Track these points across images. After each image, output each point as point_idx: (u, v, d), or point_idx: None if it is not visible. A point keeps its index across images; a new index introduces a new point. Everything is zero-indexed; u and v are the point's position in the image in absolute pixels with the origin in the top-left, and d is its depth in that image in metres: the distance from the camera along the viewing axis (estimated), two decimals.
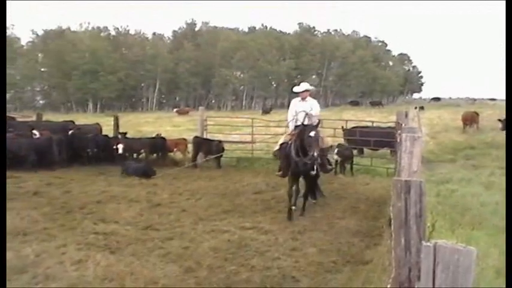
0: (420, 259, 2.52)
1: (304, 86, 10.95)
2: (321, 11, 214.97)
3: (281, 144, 10.53)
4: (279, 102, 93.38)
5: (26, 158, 15.26)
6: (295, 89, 11.11)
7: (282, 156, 10.39)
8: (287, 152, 10.01)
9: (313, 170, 9.96)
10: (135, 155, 17.77)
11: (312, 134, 9.51)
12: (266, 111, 54.80)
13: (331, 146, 11.56)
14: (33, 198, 11.49)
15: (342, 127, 17.98)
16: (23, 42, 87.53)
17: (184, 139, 18.51)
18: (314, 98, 11.26)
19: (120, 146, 16.85)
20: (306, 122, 10.12)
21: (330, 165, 11.26)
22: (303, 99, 10.81)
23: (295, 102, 10.89)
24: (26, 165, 15.03)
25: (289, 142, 10.12)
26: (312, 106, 10.66)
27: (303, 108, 10.50)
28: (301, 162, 9.70)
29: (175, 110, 59.84)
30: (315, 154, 9.52)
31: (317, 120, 10.37)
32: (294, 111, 10.71)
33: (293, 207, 9.93)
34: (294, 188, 10.18)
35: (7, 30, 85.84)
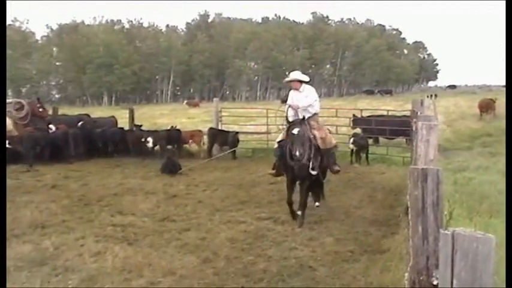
0: (438, 247, 2.51)
1: (293, 74, 9.45)
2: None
3: (279, 142, 9.21)
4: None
5: (43, 152, 15.39)
6: (286, 79, 9.87)
7: (278, 155, 9.15)
8: (283, 151, 8.76)
9: (312, 171, 8.59)
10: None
11: (295, 131, 8.26)
12: (284, 101, 54.69)
13: (336, 146, 9.83)
14: (51, 191, 11.59)
15: (353, 115, 17.91)
16: (38, 36, 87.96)
17: (200, 131, 18.51)
18: (319, 87, 10.80)
19: (150, 140, 16.98)
20: (291, 116, 8.95)
21: (337, 165, 9.52)
22: (296, 89, 9.22)
23: (291, 94, 9.37)
24: (43, 159, 15.14)
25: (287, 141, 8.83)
26: (307, 96, 9.16)
27: (297, 99, 9.13)
28: (297, 166, 8.46)
29: (185, 102, 59.75)
30: (297, 154, 8.12)
31: (309, 114, 9.00)
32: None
33: (299, 212, 8.75)
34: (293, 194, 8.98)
35: (22, 25, 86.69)
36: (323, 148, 8.83)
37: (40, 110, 15.39)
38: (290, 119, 8.86)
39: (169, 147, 17.33)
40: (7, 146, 14.41)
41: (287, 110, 9.12)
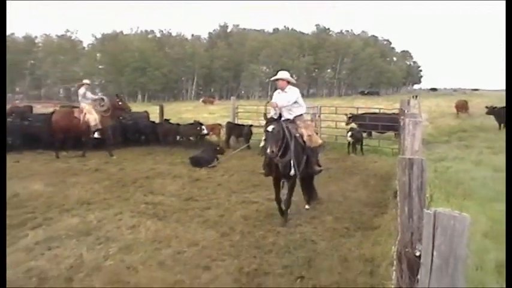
0: (421, 225, 2.52)
1: (280, 74, 8.12)
2: (332, 13, 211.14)
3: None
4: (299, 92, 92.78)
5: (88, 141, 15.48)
6: (272, 77, 8.35)
7: (265, 153, 7.70)
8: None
9: (291, 170, 7.42)
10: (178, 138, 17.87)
11: (270, 128, 7.22)
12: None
13: (321, 145, 8.66)
14: (94, 174, 11.69)
15: (346, 114, 17.86)
16: (85, 44, 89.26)
17: (219, 124, 18.53)
18: (302, 86, 9.71)
19: (204, 128, 17.25)
20: (274, 115, 7.75)
21: (319, 166, 8.39)
22: (282, 89, 7.98)
23: (275, 94, 8.16)
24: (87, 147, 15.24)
25: None
26: (289, 96, 7.91)
27: (279, 99, 7.90)
28: (281, 164, 7.40)
29: (201, 99, 59.34)
30: (269, 151, 7.08)
31: (294, 114, 8.01)
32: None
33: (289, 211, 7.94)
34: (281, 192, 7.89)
35: (72, 35, 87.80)
36: (309, 146, 7.84)
37: (119, 103, 15.59)
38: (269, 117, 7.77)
39: (191, 138, 17.37)
40: (96, 136, 14.69)
41: (265, 108, 7.87)
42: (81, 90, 14.89)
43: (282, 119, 7.74)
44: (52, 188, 9.97)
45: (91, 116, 14.52)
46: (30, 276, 5.45)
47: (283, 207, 7.80)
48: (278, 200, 7.79)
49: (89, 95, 14.95)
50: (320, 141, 8.40)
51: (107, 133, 14.91)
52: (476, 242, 5.34)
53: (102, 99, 14.96)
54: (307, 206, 8.46)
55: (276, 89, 8.20)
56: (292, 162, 7.39)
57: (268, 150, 7.09)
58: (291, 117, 7.93)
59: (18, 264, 5.77)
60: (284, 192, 7.88)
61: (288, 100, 7.84)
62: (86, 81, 15.50)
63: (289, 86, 8.02)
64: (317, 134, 8.79)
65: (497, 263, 4.98)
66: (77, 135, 14.96)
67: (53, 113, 15.50)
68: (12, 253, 6.12)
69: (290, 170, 7.41)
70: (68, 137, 15.06)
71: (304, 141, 7.74)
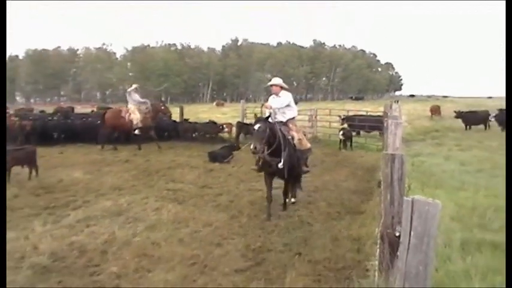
0: (401, 210, 2.54)
1: (274, 80, 7.65)
2: (332, 13, 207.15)
3: None
4: (298, 97, 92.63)
5: (119, 136, 15.52)
6: (268, 83, 7.80)
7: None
8: None
9: (279, 164, 6.79)
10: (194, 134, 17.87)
11: (256, 127, 6.69)
12: (296, 102, 53.96)
13: (310, 149, 7.84)
14: (124, 165, 11.71)
15: (340, 116, 17.80)
16: (118, 55, 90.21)
17: (230, 123, 18.52)
18: (294, 92, 8.64)
19: (225, 127, 17.35)
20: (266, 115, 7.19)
21: (307, 166, 7.80)
22: (276, 94, 7.52)
23: (270, 99, 7.62)
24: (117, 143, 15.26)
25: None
26: (283, 100, 7.46)
27: (273, 102, 7.43)
28: (273, 162, 6.84)
29: (214, 103, 59.12)
30: (252, 147, 6.49)
31: (287, 117, 7.48)
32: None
33: (293, 200, 7.81)
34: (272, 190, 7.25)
35: (107, 47, 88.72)
36: (299, 149, 7.29)
37: (162, 108, 15.77)
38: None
39: (207, 135, 17.37)
40: (136, 133, 14.70)
41: (261, 110, 7.49)
42: (131, 93, 14.96)
43: (276, 120, 7.17)
44: (90, 175, 10.02)
45: (134, 116, 14.57)
46: (72, 249, 5.50)
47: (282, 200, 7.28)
48: (269, 198, 7.09)
49: (136, 97, 14.90)
50: (309, 146, 7.70)
51: (148, 131, 14.89)
52: (445, 224, 5.35)
53: (146, 102, 15.03)
54: (293, 200, 7.86)
55: (271, 94, 7.71)
56: (282, 160, 6.76)
57: (252, 147, 6.51)
58: (284, 119, 7.42)
59: (63, 238, 5.83)
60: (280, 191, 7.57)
61: (281, 103, 7.41)
62: (135, 85, 15.41)
63: (283, 91, 7.58)
64: (306, 136, 8.05)
65: (462, 241, 5.00)
66: (122, 131, 15.04)
67: (105, 112, 15.70)
68: (58, 229, 6.19)
69: (283, 169, 6.80)
70: (115, 132, 15.17)
71: (294, 144, 7.22)
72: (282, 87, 7.59)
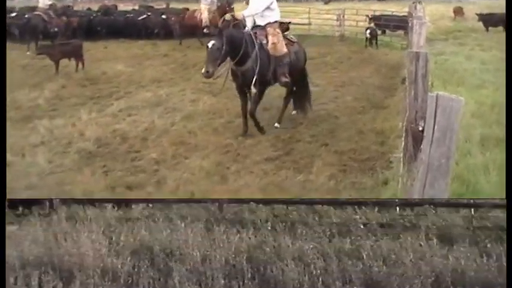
0: (425, 105, 2.51)
1: None
2: None
3: None
4: None
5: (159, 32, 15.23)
6: None
7: None
8: None
9: (253, 87, 5.72)
10: None
11: (209, 44, 5.53)
12: (326, 2, 50.48)
13: (286, 54, 5.96)
14: (164, 59, 11.58)
15: (367, 16, 16.79)
16: None
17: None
18: None
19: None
20: (249, 22, 6.07)
21: (286, 77, 5.96)
22: None
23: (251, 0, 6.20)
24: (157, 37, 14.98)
25: None
26: (263, 2, 5.95)
27: (252, 5, 6.11)
28: (240, 72, 5.74)
29: None
30: (203, 70, 5.48)
31: (267, 20, 6.00)
32: None
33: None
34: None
35: None
36: (273, 55, 5.86)
37: (227, 8, 15.19)
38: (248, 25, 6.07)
39: None
40: (205, 31, 13.68)
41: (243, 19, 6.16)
42: None
43: (251, 25, 6.02)
44: (131, 68, 10.05)
45: (204, 16, 14.42)
46: (115, 136, 5.74)
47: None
48: (244, 112, 5.96)
49: None
50: (285, 50, 6.02)
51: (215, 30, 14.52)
52: (466, 120, 5.24)
53: (213, 1, 14.73)
54: (294, 112, 6.61)
55: None
56: (255, 70, 5.63)
57: (203, 70, 5.48)
58: (262, 23, 6.04)
59: (107, 126, 6.07)
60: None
61: (257, 8, 5.97)
62: None
63: None
64: (285, 42, 6.15)
65: (482, 137, 5.00)
66: (195, 29, 14.53)
67: (185, 13, 15.80)
68: (102, 117, 6.41)
69: (252, 78, 5.65)
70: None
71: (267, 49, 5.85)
72: None
